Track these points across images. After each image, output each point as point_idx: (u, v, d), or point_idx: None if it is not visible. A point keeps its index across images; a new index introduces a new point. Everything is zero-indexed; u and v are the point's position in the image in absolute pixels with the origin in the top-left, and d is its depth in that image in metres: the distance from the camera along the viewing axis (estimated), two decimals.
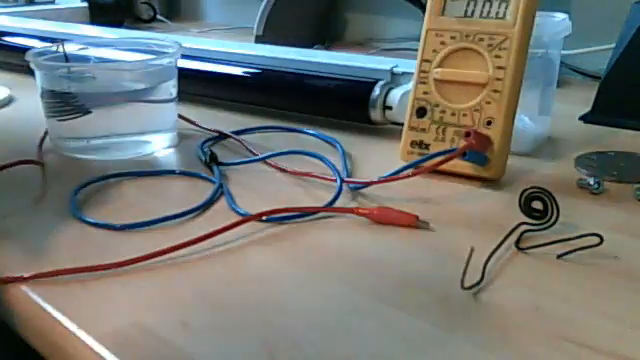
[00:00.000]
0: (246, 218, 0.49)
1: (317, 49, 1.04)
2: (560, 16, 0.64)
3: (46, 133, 0.68)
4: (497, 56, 0.56)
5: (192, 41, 0.91)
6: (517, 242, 0.45)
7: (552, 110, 0.67)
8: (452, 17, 0.59)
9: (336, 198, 0.53)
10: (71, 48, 0.70)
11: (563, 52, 0.68)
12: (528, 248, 0.44)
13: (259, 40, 1.18)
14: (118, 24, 1.37)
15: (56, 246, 0.47)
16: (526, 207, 0.47)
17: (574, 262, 0.43)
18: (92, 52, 0.73)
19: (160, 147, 0.67)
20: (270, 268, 0.44)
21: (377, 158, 0.63)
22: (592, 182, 0.54)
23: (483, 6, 0.58)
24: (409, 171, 0.55)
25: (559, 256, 0.43)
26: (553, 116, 0.68)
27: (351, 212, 0.50)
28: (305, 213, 0.50)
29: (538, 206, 0.47)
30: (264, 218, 0.50)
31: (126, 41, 0.75)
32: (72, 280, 0.42)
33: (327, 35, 1.27)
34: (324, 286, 0.41)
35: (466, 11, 0.59)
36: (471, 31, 0.58)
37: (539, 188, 0.46)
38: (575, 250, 0.43)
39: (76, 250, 0.46)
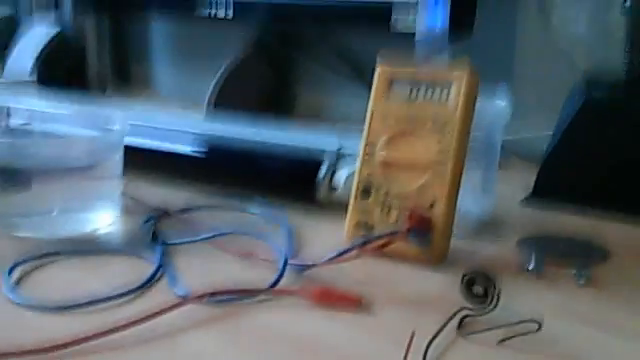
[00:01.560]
0: (187, 299, 0.48)
1: (267, 123, 1.04)
2: (501, 102, 0.66)
3: None
4: (439, 140, 0.57)
5: (141, 116, 0.91)
6: (458, 327, 0.45)
7: (494, 193, 0.68)
8: (396, 100, 0.60)
9: (279, 279, 0.52)
10: (15, 122, 0.69)
11: (505, 138, 0.70)
12: (469, 334, 0.44)
13: (211, 112, 1.19)
14: (67, 96, 1.36)
15: None
16: (467, 291, 0.47)
17: (514, 348, 0.43)
18: (37, 126, 0.72)
19: (102, 224, 0.65)
20: (210, 351, 0.43)
21: (323, 238, 0.63)
22: (532, 265, 0.55)
23: (426, 90, 0.60)
24: (353, 253, 0.55)
25: (499, 342, 0.43)
26: (495, 198, 0.69)
27: (293, 294, 0.50)
28: (247, 295, 0.50)
29: (478, 290, 0.47)
30: (205, 300, 0.49)
31: (72, 116, 0.74)
32: None
33: (277, 112, 1.28)
34: None
35: (410, 95, 0.60)
36: (415, 114, 0.59)
37: (479, 272, 0.47)
38: (515, 336, 0.43)
39: (7, 332, 0.45)
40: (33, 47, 1.46)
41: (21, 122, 0.71)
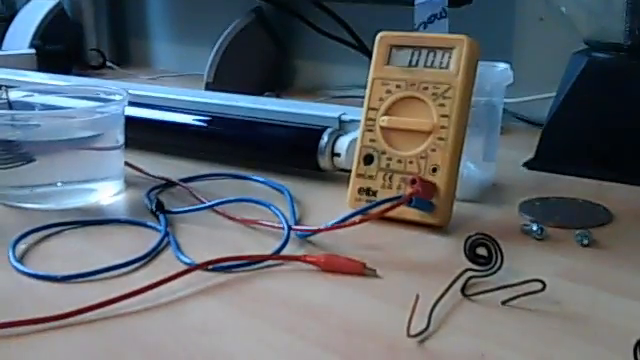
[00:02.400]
0: (191, 267, 0.48)
1: (267, 96, 1.04)
2: (502, 66, 0.66)
3: None
4: (441, 104, 0.57)
5: (141, 88, 0.91)
6: (463, 289, 0.45)
7: (497, 157, 0.68)
8: (397, 66, 0.60)
9: (283, 246, 0.53)
10: (15, 95, 0.69)
11: (506, 100, 0.69)
12: (473, 294, 0.45)
13: (209, 87, 1.18)
14: (66, 71, 1.36)
15: None
16: (471, 253, 0.48)
17: (518, 308, 0.43)
18: (37, 99, 0.72)
19: (106, 195, 0.66)
20: (215, 318, 0.43)
21: (325, 205, 0.63)
22: (535, 228, 0.55)
23: (427, 56, 0.59)
24: (356, 218, 0.55)
25: (503, 302, 0.44)
26: (498, 163, 0.69)
27: (298, 260, 0.50)
28: (252, 262, 0.50)
29: (483, 252, 0.47)
30: (210, 267, 0.49)
31: (73, 88, 0.74)
32: (8, 334, 0.40)
33: (277, 83, 1.28)
34: (270, 335, 0.41)
35: (410, 61, 0.60)
36: (416, 80, 0.59)
37: (483, 235, 0.47)
38: (519, 296, 0.43)
39: (14, 302, 0.45)
40: (32, 20, 1.45)
41: (22, 95, 0.70)
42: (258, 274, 0.49)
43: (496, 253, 0.46)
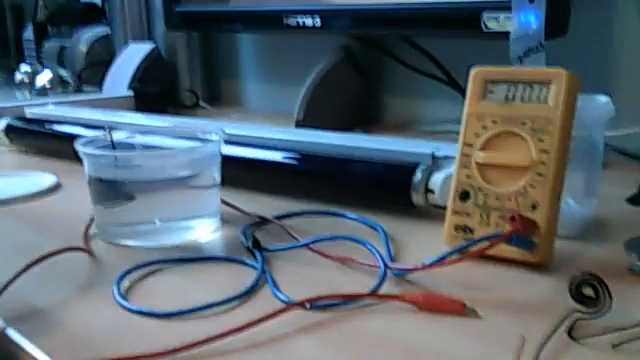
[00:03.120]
0: (290, 305, 0.48)
1: (357, 133, 1.05)
2: (603, 99, 0.64)
3: (92, 220, 0.69)
4: (540, 139, 0.56)
5: (234, 127, 0.93)
6: (569, 331, 0.43)
7: (598, 192, 0.66)
8: (493, 102, 0.59)
9: (380, 284, 0.52)
10: (118, 136, 0.72)
11: (607, 134, 0.67)
12: (581, 337, 0.43)
13: (300, 125, 1.20)
14: (162, 111, 1.41)
15: (100, 334, 0.47)
16: (577, 294, 0.46)
17: (630, 352, 0.41)
18: (138, 139, 0.75)
19: (203, 233, 0.67)
20: (315, 356, 0.43)
21: (420, 243, 0.63)
22: None
23: (524, 91, 0.58)
24: (455, 257, 0.54)
25: (614, 346, 0.42)
26: (599, 198, 0.67)
27: (396, 299, 0.50)
28: (350, 300, 0.50)
29: (589, 293, 0.45)
30: (308, 305, 0.49)
31: (171, 129, 0.77)
32: None
33: (366, 119, 1.28)
34: None
35: (507, 96, 0.59)
36: (513, 115, 0.58)
37: (590, 274, 0.45)
38: (632, 340, 0.41)
39: (120, 338, 0.46)
40: (130, 63, 1.52)
41: (124, 136, 0.73)
42: (355, 313, 0.49)
43: (604, 293, 0.44)
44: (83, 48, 1.79)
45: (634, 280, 0.52)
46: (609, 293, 0.44)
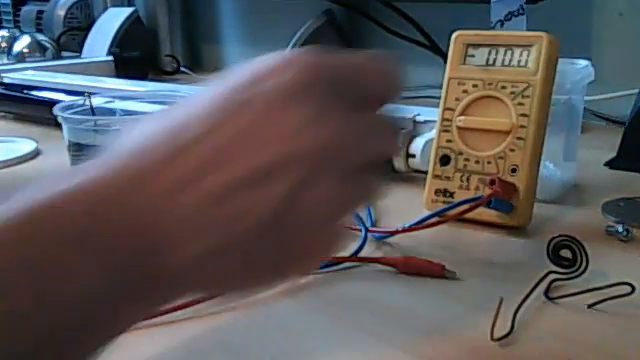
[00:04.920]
0: None
1: None
2: (582, 63, 0.64)
3: None
4: (520, 104, 0.56)
5: None
6: (546, 291, 0.44)
7: (577, 156, 0.67)
8: (474, 65, 0.59)
9: (361, 248, 0.53)
10: (97, 101, 0.71)
11: (586, 98, 0.67)
12: (558, 298, 0.43)
13: None
14: (142, 77, 1.40)
15: None
16: (554, 256, 0.46)
17: (605, 312, 0.42)
18: (117, 105, 0.74)
19: None
20: (296, 319, 0.43)
21: (401, 207, 0.63)
22: (620, 229, 0.53)
23: (505, 55, 0.58)
24: (434, 220, 0.54)
25: (590, 306, 0.42)
26: (578, 162, 0.67)
27: (376, 262, 0.50)
28: (330, 263, 0.50)
29: (567, 254, 0.46)
30: None
31: (151, 94, 0.76)
32: None
33: None
34: (349, 336, 0.41)
35: (487, 60, 0.59)
36: (493, 79, 0.58)
37: (567, 236, 0.46)
38: (606, 299, 0.42)
39: None
40: (109, 28, 1.50)
41: (103, 101, 0.73)
42: (336, 276, 0.49)
43: (581, 255, 0.45)
44: (61, 12, 1.76)
45: (611, 242, 0.53)
46: (586, 255, 0.45)
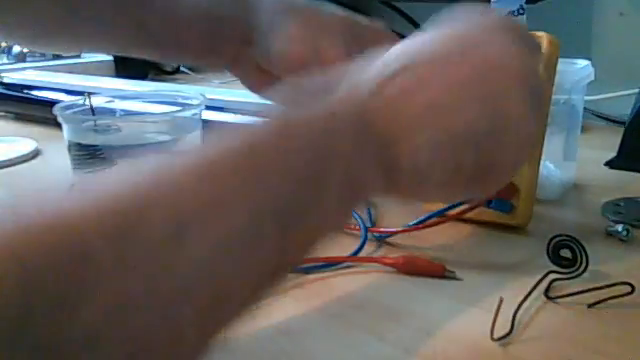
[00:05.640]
0: None
1: None
2: (582, 63, 0.64)
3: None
4: None
5: (215, 92, 0.92)
6: (546, 291, 0.44)
7: (577, 156, 0.67)
8: None
9: (361, 247, 0.53)
10: (97, 101, 0.71)
11: (586, 98, 0.67)
12: (558, 297, 0.43)
13: None
14: (142, 77, 1.40)
15: None
16: (554, 255, 0.46)
17: (606, 312, 0.42)
18: (118, 105, 0.74)
19: None
20: (296, 319, 0.43)
21: (401, 207, 0.63)
22: (620, 229, 0.53)
23: None
24: (434, 220, 0.54)
25: (590, 305, 0.42)
26: (578, 162, 0.67)
27: (376, 262, 0.50)
28: (330, 263, 0.50)
29: (566, 254, 0.46)
30: None
31: (151, 94, 0.76)
32: None
33: None
34: (350, 336, 0.41)
35: None
36: None
37: (567, 236, 0.46)
38: (606, 299, 0.42)
39: None
40: None
41: (104, 101, 0.72)
42: (336, 276, 0.49)
43: (581, 255, 0.45)
44: None
45: (611, 242, 0.53)
46: (586, 255, 0.45)
